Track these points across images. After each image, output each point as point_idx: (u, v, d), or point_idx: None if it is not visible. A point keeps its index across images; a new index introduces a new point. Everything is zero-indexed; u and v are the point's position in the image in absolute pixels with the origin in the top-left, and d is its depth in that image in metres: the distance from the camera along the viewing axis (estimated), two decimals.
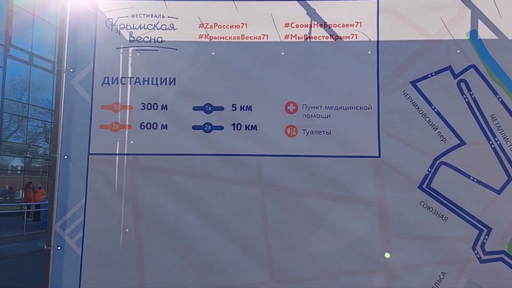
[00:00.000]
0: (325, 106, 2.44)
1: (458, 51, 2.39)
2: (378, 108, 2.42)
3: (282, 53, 2.47)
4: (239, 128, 2.41)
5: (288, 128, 2.43)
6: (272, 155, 2.38)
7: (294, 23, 2.49)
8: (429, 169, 2.37)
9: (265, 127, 2.40)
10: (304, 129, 2.41)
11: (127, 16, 2.48)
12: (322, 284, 2.29)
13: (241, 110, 2.42)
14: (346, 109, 2.43)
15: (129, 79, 2.45)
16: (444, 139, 2.37)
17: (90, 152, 2.38)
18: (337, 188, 2.36)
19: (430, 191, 2.35)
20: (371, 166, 2.37)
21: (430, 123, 2.39)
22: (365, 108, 2.43)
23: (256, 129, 2.41)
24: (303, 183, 2.36)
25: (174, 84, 2.44)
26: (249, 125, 2.41)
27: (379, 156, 2.38)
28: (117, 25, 2.46)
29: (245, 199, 2.35)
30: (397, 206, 2.34)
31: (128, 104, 2.44)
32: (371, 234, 2.33)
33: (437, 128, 2.38)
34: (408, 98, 2.43)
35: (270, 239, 2.33)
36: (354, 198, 2.35)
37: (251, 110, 2.43)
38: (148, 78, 2.44)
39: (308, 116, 2.42)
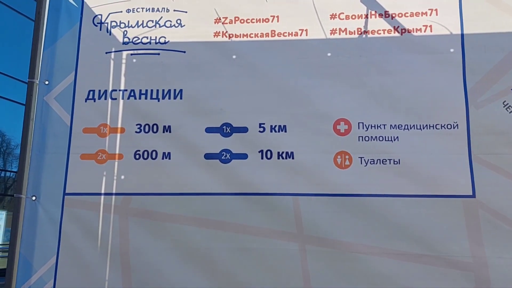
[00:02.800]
0: (391, 125, 1.74)
1: None
2: (468, 127, 1.71)
3: (329, 54, 1.83)
4: (269, 156, 1.74)
5: (339, 156, 1.75)
6: (315, 194, 1.70)
7: (343, 13, 1.85)
8: None
9: (306, 155, 1.73)
10: (361, 157, 1.72)
11: (121, 12, 1.90)
12: None
13: (271, 131, 1.76)
14: (420, 129, 1.72)
15: (121, 92, 1.84)
16: None
17: (67, 192, 1.76)
18: (412, 243, 1.63)
19: None
20: (461, 209, 1.64)
21: None
22: (449, 126, 1.71)
23: (292, 158, 1.74)
24: (361, 235, 1.65)
25: (181, 98, 1.82)
26: (283, 152, 1.74)
27: (474, 196, 1.67)
28: (107, 23, 1.89)
29: (278, 258, 1.66)
30: (504, 269, 1.59)
31: (119, 126, 1.82)
32: None
33: None
34: (511, 111, 1.74)
35: None
36: (437, 257, 1.61)
37: (285, 131, 1.77)
38: (147, 90, 1.82)
39: (366, 138, 1.73)
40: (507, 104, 1.73)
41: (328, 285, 1.64)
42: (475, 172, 1.68)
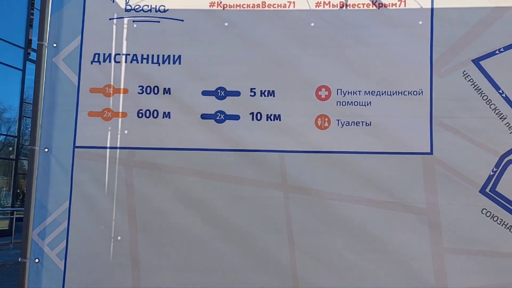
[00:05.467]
0: (365, 92, 1.97)
1: None
2: (431, 94, 1.95)
3: (312, 24, 2.01)
4: (258, 117, 1.96)
5: (319, 119, 1.97)
6: (299, 151, 1.94)
7: None
8: (494, 169, 1.90)
9: (291, 117, 1.96)
10: (338, 120, 1.95)
11: None
12: None
13: (261, 96, 1.97)
14: (390, 95, 1.96)
15: (124, 56, 2.01)
16: None
17: (76, 145, 1.96)
18: (378, 192, 1.91)
19: (495, 196, 1.89)
20: (420, 165, 1.91)
21: (497, 111, 1.91)
22: (415, 93, 1.95)
23: (279, 120, 1.96)
24: (336, 186, 1.91)
25: (180, 63, 1.99)
26: (271, 115, 1.96)
27: (431, 153, 1.93)
28: None
29: (265, 204, 1.91)
30: (453, 215, 1.89)
31: (122, 87, 1.99)
32: (419, 248, 1.87)
33: (505, 118, 1.90)
34: (470, 80, 1.94)
35: (295, 252, 1.89)
36: (399, 204, 1.89)
37: (273, 96, 1.98)
38: (148, 55, 1.99)
39: (343, 103, 1.96)
40: (467, 73, 1.96)
41: (307, 226, 1.92)
42: (434, 133, 1.93)
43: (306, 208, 1.92)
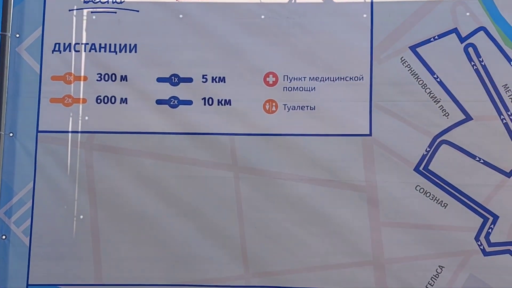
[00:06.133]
0: (310, 78, 2.11)
1: (466, 12, 2.03)
2: (371, 79, 2.08)
3: (262, 17, 2.14)
4: (210, 103, 2.08)
5: (267, 103, 2.11)
6: (248, 134, 2.07)
7: None
8: (428, 149, 2.06)
9: (241, 102, 2.08)
10: (285, 104, 2.09)
11: None
12: (302, 278, 2.02)
13: (212, 82, 2.09)
14: (333, 81, 2.09)
15: (83, 45, 2.12)
16: (447, 114, 2.04)
17: (39, 129, 2.07)
18: (322, 171, 2.05)
19: (428, 174, 2.04)
20: (360, 145, 2.05)
21: (431, 95, 2.05)
22: (356, 79, 2.09)
23: (230, 104, 2.09)
24: (283, 166, 2.05)
25: (135, 52, 2.11)
26: (222, 100, 2.09)
27: (370, 134, 2.07)
28: None
29: (216, 184, 2.05)
30: (390, 191, 2.03)
31: (82, 74, 2.11)
32: (359, 222, 2.03)
33: (439, 101, 2.05)
34: (407, 66, 2.08)
35: (245, 229, 2.04)
36: (340, 182, 2.04)
37: (224, 82, 2.11)
38: (106, 44, 2.11)
39: (289, 89, 2.09)
40: (404, 59, 2.09)
41: (255, 204, 2.05)
42: (373, 116, 2.07)
43: (255, 187, 2.06)
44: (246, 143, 2.08)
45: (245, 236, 2.05)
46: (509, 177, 2.02)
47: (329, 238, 2.05)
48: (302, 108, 2.11)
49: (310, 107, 2.10)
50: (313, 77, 2.11)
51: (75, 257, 2.06)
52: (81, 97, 2.10)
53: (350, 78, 2.10)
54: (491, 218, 2.02)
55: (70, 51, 2.12)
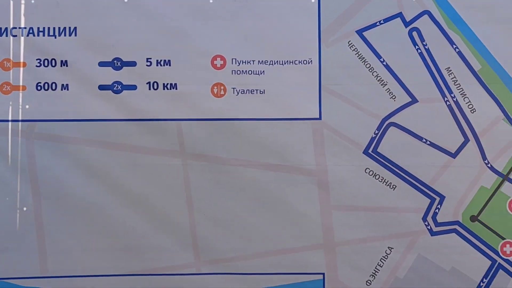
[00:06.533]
0: (259, 61, 2.07)
1: None
2: (320, 62, 2.08)
3: (211, 1, 2.12)
4: (155, 87, 2.02)
5: (215, 87, 2.07)
6: (195, 119, 2.02)
7: None
8: (376, 132, 2.07)
9: (187, 86, 2.03)
10: (233, 88, 2.06)
11: None
12: (254, 264, 2.01)
13: (157, 65, 2.02)
14: (282, 64, 2.07)
15: (21, 30, 2.01)
16: (393, 97, 2.06)
17: None
18: (272, 156, 2.03)
19: (377, 156, 2.06)
20: (310, 129, 2.05)
21: (378, 78, 2.06)
22: (305, 62, 2.08)
23: (176, 88, 2.04)
24: (233, 151, 2.02)
25: (75, 35, 2.03)
26: (167, 84, 2.03)
27: (320, 118, 2.07)
28: None
29: (164, 172, 2.00)
30: (340, 175, 2.04)
31: (21, 60, 2.01)
32: (309, 206, 2.02)
33: (386, 84, 2.07)
34: (354, 49, 2.08)
35: (194, 216, 2.00)
36: (290, 166, 2.04)
37: (170, 65, 2.04)
38: (44, 28, 2.01)
39: (238, 72, 2.06)
40: (351, 43, 2.09)
41: (205, 191, 2.02)
42: (323, 99, 2.06)
43: (204, 174, 2.02)
44: (194, 129, 2.03)
45: (195, 223, 2.01)
46: (454, 158, 2.07)
47: (280, 223, 2.04)
48: (251, 92, 2.08)
49: (260, 91, 2.08)
50: (262, 61, 2.08)
51: (20, 250, 1.97)
52: (21, 84, 2.00)
53: (299, 62, 2.09)
54: (437, 199, 2.06)
55: (7, 36, 2.01)
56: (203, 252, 1.99)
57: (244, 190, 2.02)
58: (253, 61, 2.07)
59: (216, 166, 2.03)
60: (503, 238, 2.01)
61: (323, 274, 2.02)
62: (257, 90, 2.06)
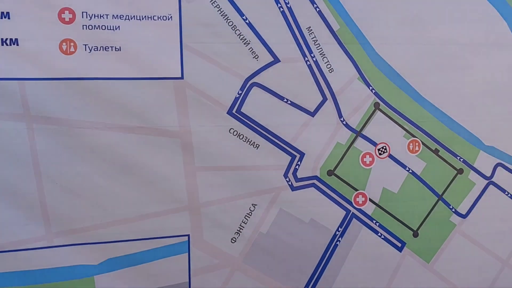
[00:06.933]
0: (113, 15, 1.90)
1: None
2: (180, 19, 1.98)
3: None
4: None
5: (64, 43, 1.85)
6: (41, 78, 1.80)
7: None
8: (240, 92, 2.06)
9: (30, 42, 1.79)
10: (85, 45, 1.86)
11: None
12: (114, 232, 1.93)
13: None
14: (140, 19, 1.92)
15: None
16: (256, 56, 2.04)
17: None
18: (131, 118, 1.91)
19: (240, 116, 2.05)
20: (172, 89, 1.96)
21: (241, 37, 2.02)
22: (164, 18, 1.95)
23: (17, 44, 1.78)
24: (86, 113, 1.86)
25: None
26: (6, 39, 1.77)
27: (182, 78, 2.00)
28: None
29: (6, 137, 1.79)
30: (204, 136, 2.01)
31: None
32: (173, 169, 1.98)
33: (249, 43, 2.04)
34: (216, 6, 2.00)
35: (43, 185, 1.84)
36: (152, 128, 1.94)
37: (8, 18, 1.77)
38: None
39: (90, 27, 1.86)
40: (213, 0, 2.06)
41: (55, 157, 1.85)
42: (184, 58, 1.97)
43: (54, 139, 1.84)
44: (40, 89, 1.81)
45: (44, 193, 1.84)
46: (313, 116, 2.15)
47: (142, 187, 1.96)
48: (105, 49, 1.90)
49: (115, 48, 1.91)
50: (117, 15, 1.91)
51: None
52: None
53: (158, 18, 1.95)
54: (298, 156, 2.15)
55: None
56: (54, 223, 1.85)
57: (100, 155, 1.89)
58: (107, 15, 1.89)
59: (66, 130, 1.85)
60: (356, 190, 2.19)
61: (188, 235, 2.03)
62: (112, 47, 1.89)
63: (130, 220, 1.94)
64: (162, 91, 1.96)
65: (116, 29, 1.92)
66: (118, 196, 1.92)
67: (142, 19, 1.94)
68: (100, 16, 1.90)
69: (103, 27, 1.91)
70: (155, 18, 1.95)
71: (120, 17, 1.92)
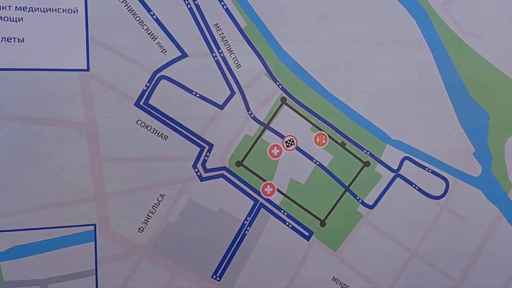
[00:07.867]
0: (16, 7, 1.92)
1: None
2: (86, 12, 2.02)
3: None
4: None
5: None
6: None
7: None
8: (148, 84, 2.11)
9: None
10: None
11: None
12: (16, 221, 1.91)
13: None
14: (44, 12, 1.97)
15: None
16: (164, 51, 2.11)
17: None
18: (35, 109, 1.93)
19: (148, 108, 2.10)
20: (77, 81, 1.99)
21: (149, 32, 2.08)
22: (70, 11, 2.00)
23: None
24: None
25: None
26: None
27: (88, 70, 2.05)
28: None
29: None
30: (110, 127, 2.04)
31: None
32: (79, 160, 2.00)
33: (156, 38, 2.10)
34: (123, 1, 2.05)
35: None
36: (57, 120, 1.97)
37: None
38: None
39: None
40: None
41: None
42: (91, 50, 2.01)
43: None
44: None
45: None
46: (222, 109, 2.22)
47: (47, 178, 1.97)
48: (7, 40, 1.92)
49: (18, 39, 1.93)
50: (20, 7, 1.93)
51: None
52: None
53: (63, 10, 1.99)
54: (207, 147, 2.22)
55: None
56: None
57: (3, 146, 1.89)
58: (9, 6, 1.90)
59: None
60: (264, 180, 2.28)
61: (94, 225, 2.07)
62: (14, 38, 1.91)
63: (35, 210, 1.95)
64: (67, 83, 1.99)
65: (19, 20, 1.95)
66: (22, 187, 1.92)
67: (47, 11, 1.98)
68: (3, 7, 1.91)
69: (6, 19, 1.92)
70: (60, 10, 1.98)
71: (23, 8, 1.93)
